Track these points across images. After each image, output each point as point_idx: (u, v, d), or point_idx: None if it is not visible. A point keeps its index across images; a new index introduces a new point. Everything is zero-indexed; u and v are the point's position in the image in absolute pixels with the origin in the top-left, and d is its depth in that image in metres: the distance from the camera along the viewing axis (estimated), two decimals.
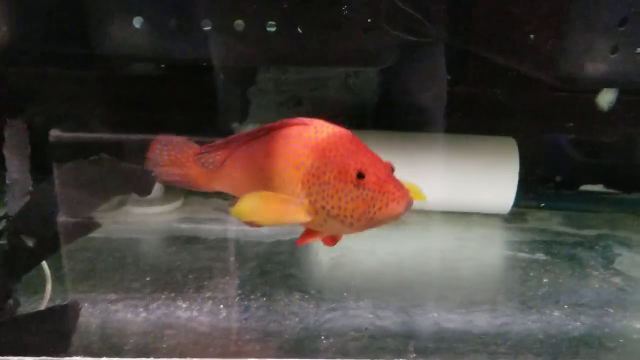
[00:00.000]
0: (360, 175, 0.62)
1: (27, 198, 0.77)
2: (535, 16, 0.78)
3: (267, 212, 0.66)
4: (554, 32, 0.76)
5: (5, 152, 0.76)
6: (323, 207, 0.64)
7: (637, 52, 0.77)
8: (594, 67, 0.77)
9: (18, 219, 0.76)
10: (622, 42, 0.76)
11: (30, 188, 0.77)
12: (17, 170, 0.76)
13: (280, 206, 0.66)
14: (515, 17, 0.81)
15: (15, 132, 0.76)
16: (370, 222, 0.63)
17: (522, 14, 0.80)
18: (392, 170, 0.65)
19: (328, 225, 0.66)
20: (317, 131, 0.67)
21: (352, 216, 0.63)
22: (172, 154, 0.78)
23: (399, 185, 0.63)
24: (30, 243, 0.79)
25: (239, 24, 0.87)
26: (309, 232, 0.71)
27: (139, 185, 0.75)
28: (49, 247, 0.82)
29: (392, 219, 0.63)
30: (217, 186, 0.77)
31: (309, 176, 0.65)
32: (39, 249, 0.81)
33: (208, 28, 0.86)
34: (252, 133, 0.71)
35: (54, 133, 1.09)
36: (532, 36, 0.80)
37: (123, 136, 1.13)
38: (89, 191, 0.74)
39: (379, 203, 0.62)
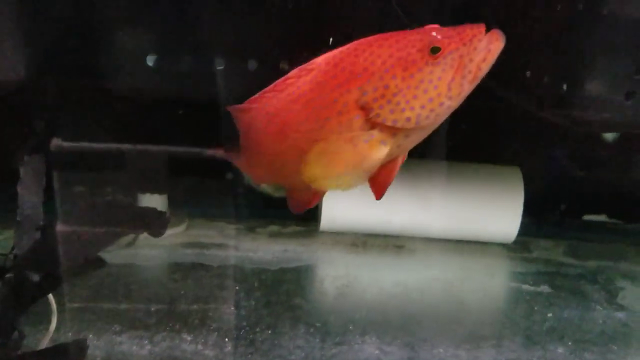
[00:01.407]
0: (435, 49, 0.55)
1: (37, 234, 0.76)
2: (552, 61, 0.78)
3: (340, 163, 0.57)
4: (571, 76, 0.77)
5: (20, 189, 0.75)
6: (409, 119, 0.56)
7: None
8: (610, 112, 0.78)
9: (26, 255, 0.75)
10: (638, 89, 0.77)
11: (41, 223, 0.77)
12: (30, 207, 0.75)
13: (354, 149, 0.57)
14: (532, 61, 0.82)
15: (32, 169, 0.76)
16: (473, 78, 0.56)
17: (539, 57, 0.80)
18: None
19: (409, 141, 0.58)
20: (322, 66, 0.57)
21: (453, 95, 0.56)
22: None
23: (469, 26, 0.55)
24: (36, 278, 0.79)
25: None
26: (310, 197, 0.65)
27: (152, 226, 0.74)
28: (56, 282, 0.82)
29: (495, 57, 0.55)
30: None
31: (365, 103, 0.56)
32: (46, 283, 0.81)
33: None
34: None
35: (56, 142, 1.09)
36: (546, 78, 0.80)
37: (125, 146, 1.13)
38: (100, 231, 0.73)
39: (473, 52, 0.55)
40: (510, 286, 1.15)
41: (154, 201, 1.20)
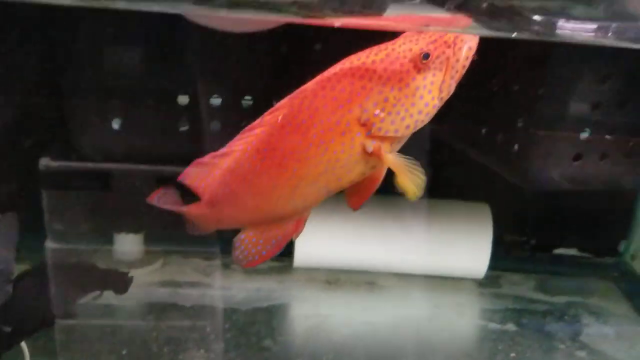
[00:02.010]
0: (425, 56, 0.58)
1: (10, 288, 0.79)
2: (505, 122, 0.82)
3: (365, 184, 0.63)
4: (523, 138, 0.80)
5: None
6: (409, 126, 0.59)
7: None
8: (559, 172, 0.81)
9: None
10: (585, 151, 0.80)
11: (13, 278, 0.80)
12: (3, 261, 0.78)
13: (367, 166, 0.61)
14: (487, 119, 0.85)
15: (4, 225, 0.78)
16: (459, 76, 0.60)
17: (494, 116, 0.84)
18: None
19: (399, 145, 0.62)
20: (316, 91, 0.60)
21: (444, 95, 0.60)
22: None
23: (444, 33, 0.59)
24: (8, 329, 0.81)
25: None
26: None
27: (115, 285, 0.78)
28: (28, 331, 0.84)
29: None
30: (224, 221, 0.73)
31: (366, 120, 0.59)
32: (18, 334, 0.83)
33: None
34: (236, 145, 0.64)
35: (44, 162, 1.12)
36: (499, 138, 0.83)
37: (112, 166, 1.15)
38: (68, 288, 0.76)
39: (458, 52, 0.59)
40: (477, 324, 1.18)
41: (129, 240, 1.22)
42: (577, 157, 0.81)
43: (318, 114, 0.60)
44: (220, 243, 1.34)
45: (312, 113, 0.61)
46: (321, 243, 1.27)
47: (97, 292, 0.87)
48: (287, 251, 1.31)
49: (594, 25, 0.67)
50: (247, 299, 1.18)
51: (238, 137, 0.65)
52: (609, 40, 0.66)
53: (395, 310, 1.20)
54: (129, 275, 0.73)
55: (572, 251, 1.40)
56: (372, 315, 1.18)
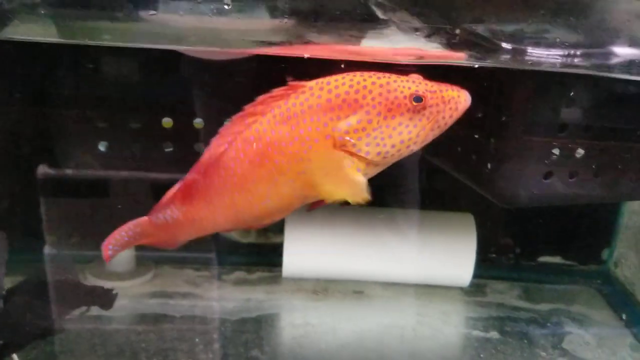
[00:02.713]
0: (418, 99, 0.61)
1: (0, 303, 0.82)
2: (478, 142, 0.85)
3: (332, 181, 0.64)
4: (494, 158, 0.83)
5: None
6: (379, 154, 0.62)
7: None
8: (530, 190, 0.84)
9: None
10: (555, 170, 0.83)
11: (3, 293, 0.82)
12: None
13: (341, 172, 0.63)
14: (460, 139, 0.88)
15: None
16: (438, 132, 0.64)
17: (467, 137, 0.87)
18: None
19: (372, 173, 0.65)
20: (339, 80, 0.62)
21: (419, 141, 0.63)
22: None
23: (448, 85, 0.63)
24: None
25: None
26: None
27: (101, 302, 0.80)
28: (19, 344, 0.87)
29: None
30: (193, 231, 0.77)
31: (345, 134, 0.62)
32: (9, 346, 0.86)
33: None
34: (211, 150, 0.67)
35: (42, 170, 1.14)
36: (474, 157, 0.86)
37: (111, 173, 1.17)
38: (56, 304, 0.79)
39: (447, 111, 0.62)
40: (461, 332, 1.20)
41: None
42: (547, 176, 0.84)
43: (310, 111, 0.63)
44: (213, 254, 1.37)
45: (305, 110, 0.63)
46: (309, 253, 1.29)
47: (84, 308, 0.90)
48: (278, 261, 1.34)
49: (560, 52, 0.70)
50: (236, 309, 1.21)
51: (225, 127, 0.68)
52: (575, 68, 0.69)
53: (381, 319, 1.22)
54: (114, 292, 0.75)
55: (557, 259, 1.42)
56: (359, 324, 1.20)
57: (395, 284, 1.32)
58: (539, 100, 0.79)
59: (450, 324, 1.22)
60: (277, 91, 0.66)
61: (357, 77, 0.63)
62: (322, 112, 0.62)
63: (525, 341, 1.17)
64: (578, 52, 0.72)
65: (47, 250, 1.07)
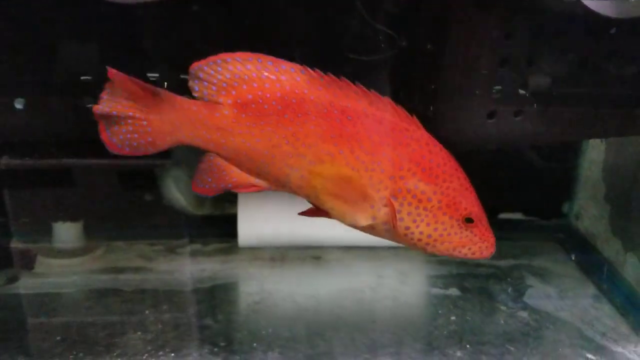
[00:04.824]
0: (469, 220, 0.64)
1: None
2: (420, 84, 0.81)
3: (343, 196, 0.64)
4: (437, 99, 0.80)
5: None
6: (407, 228, 0.63)
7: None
8: (475, 131, 0.81)
9: None
10: (498, 108, 0.80)
11: None
12: None
13: (358, 198, 0.63)
14: (403, 81, 0.85)
15: None
16: (450, 255, 0.66)
17: (410, 79, 0.83)
18: None
19: (378, 232, 0.66)
20: (430, 145, 0.63)
21: (438, 247, 0.65)
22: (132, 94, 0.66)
23: (491, 231, 0.67)
24: None
25: None
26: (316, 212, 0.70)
27: (23, 261, 0.77)
28: None
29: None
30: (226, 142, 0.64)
31: (407, 194, 0.62)
32: None
33: None
34: (312, 76, 0.62)
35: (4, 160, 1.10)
36: (416, 100, 0.83)
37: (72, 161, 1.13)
38: None
39: (476, 247, 0.65)
40: (420, 291, 1.18)
41: (67, 229, 1.21)
42: (491, 115, 0.81)
43: (401, 149, 0.63)
44: (167, 228, 1.34)
45: (402, 144, 0.63)
46: (265, 222, 1.26)
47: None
48: (234, 233, 1.30)
49: None
50: (190, 280, 1.18)
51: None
52: None
53: (339, 283, 1.20)
54: (34, 252, 0.72)
55: (517, 215, 1.41)
56: (316, 288, 1.17)
57: (354, 247, 1.29)
58: (477, 34, 0.75)
59: (409, 284, 1.19)
60: (405, 117, 0.65)
61: (453, 162, 0.65)
62: (410, 159, 0.63)
63: (485, 296, 1.15)
64: None
65: None
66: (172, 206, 1.32)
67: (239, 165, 0.67)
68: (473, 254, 0.66)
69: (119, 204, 1.31)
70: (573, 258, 1.27)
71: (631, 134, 0.91)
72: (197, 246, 1.32)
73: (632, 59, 0.83)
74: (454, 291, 1.17)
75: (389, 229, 0.65)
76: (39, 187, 1.19)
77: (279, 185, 0.68)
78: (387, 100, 0.64)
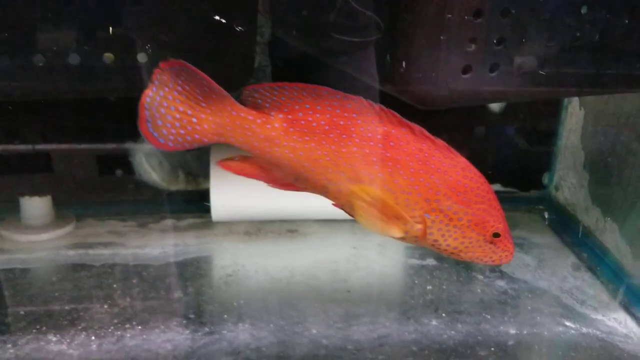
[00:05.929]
0: (496, 235, 0.68)
1: None
2: (392, 41, 0.78)
3: (378, 212, 0.66)
4: (407, 53, 0.77)
5: None
6: (436, 241, 0.68)
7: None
8: (449, 87, 0.78)
9: None
10: (473, 63, 0.77)
11: None
12: None
13: (392, 217, 0.66)
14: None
15: None
16: (472, 261, 0.71)
17: (381, 38, 0.80)
18: None
19: (405, 241, 0.69)
20: (465, 171, 0.67)
21: (462, 256, 0.70)
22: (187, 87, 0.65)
23: (512, 241, 0.72)
24: None
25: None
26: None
27: None
28: None
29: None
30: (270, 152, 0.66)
31: (440, 213, 0.66)
32: None
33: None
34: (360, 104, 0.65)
35: None
36: (388, 57, 0.80)
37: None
38: None
39: (496, 256, 0.70)
40: (396, 261, 1.16)
41: (36, 203, 1.17)
42: (466, 70, 0.78)
43: (444, 170, 0.66)
44: (140, 204, 1.31)
45: (440, 169, 0.66)
46: (239, 195, 1.23)
47: None
48: (207, 207, 1.27)
49: None
50: (161, 255, 1.15)
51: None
52: None
53: (315, 255, 1.17)
54: None
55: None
56: (291, 261, 1.15)
57: (330, 220, 1.27)
58: None
59: (385, 255, 1.17)
60: (442, 145, 0.68)
61: (486, 186, 0.68)
62: (446, 185, 0.65)
63: (462, 266, 1.13)
64: None
65: None
66: (145, 182, 1.29)
67: (280, 169, 0.70)
68: (493, 261, 0.71)
69: (89, 179, 1.27)
70: (546, 217, 1.27)
71: (604, 92, 0.89)
72: (170, 221, 1.29)
73: (608, 14, 0.80)
74: (430, 261, 1.15)
75: (418, 240, 0.69)
76: (5, 161, 1.15)
77: (315, 191, 0.72)
78: (423, 130, 0.68)
